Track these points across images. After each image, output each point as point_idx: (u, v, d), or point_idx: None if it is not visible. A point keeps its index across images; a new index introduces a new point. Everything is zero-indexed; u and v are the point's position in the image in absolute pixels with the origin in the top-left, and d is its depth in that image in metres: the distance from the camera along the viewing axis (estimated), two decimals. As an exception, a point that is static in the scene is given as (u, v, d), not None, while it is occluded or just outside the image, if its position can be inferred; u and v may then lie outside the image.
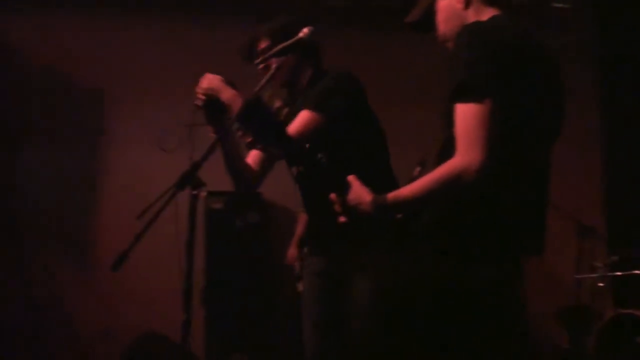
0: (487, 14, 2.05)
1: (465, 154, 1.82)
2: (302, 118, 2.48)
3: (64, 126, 5.03)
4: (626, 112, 5.68)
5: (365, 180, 2.03)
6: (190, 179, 2.23)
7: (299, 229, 4.62)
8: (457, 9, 2.10)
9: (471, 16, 2.07)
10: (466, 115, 1.84)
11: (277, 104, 2.10)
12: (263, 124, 2.04)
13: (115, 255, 2.30)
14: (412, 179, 2.06)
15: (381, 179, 2.36)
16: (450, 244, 1.93)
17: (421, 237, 2.00)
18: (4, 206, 4.87)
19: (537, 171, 2.03)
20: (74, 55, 5.06)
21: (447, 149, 1.92)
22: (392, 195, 1.96)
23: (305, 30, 2.44)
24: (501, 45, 1.89)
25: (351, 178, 2.05)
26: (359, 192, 2.02)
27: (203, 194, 4.50)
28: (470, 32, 1.92)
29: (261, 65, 2.52)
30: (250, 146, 2.19)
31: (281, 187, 5.17)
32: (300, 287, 4.29)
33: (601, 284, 4.42)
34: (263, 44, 2.69)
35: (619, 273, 4.37)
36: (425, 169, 2.05)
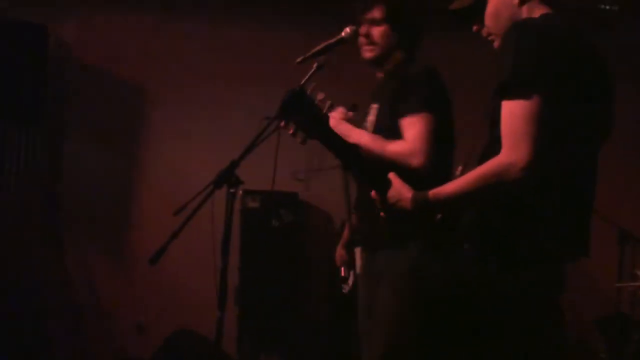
0: (539, 12, 2.00)
1: (511, 152, 1.77)
2: (420, 122, 2.48)
3: (105, 122, 5.09)
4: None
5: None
6: (228, 177, 2.23)
7: (347, 230, 4.58)
8: (511, 3, 2.03)
9: (524, 13, 2.02)
10: (513, 112, 1.80)
11: (320, 96, 2.07)
12: (306, 115, 2.03)
13: (151, 251, 2.31)
14: (455, 178, 2.02)
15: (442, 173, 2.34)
16: (491, 247, 1.90)
17: (461, 239, 1.97)
18: (48, 198, 4.93)
19: (584, 174, 1.98)
20: (118, 53, 5.11)
21: (491, 148, 1.89)
22: (433, 192, 1.93)
23: (348, 29, 2.43)
24: (552, 44, 1.85)
25: (392, 175, 2.03)
26: (399, 188, 2.00)
27: (239, 192, 4.51)
28: (521, 29, 1.88)
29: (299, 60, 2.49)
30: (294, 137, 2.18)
31: (317, 188, 5.20)
32: (345, 289, 4.28)
33: (643, 293, 4.32)
34: (376, 13, 2.67)
35: (661, 282, 4.26)
36: (468, 169, 2.02)
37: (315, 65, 2.37)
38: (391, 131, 2.54)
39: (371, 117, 2.76)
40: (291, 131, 2.07)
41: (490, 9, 2.08)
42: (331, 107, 2.09)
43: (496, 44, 2.08)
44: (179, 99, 5.21)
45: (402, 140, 2.54)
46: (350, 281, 4.25)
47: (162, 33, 5.20)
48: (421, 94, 2.54)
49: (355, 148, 2.07)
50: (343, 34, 2.44)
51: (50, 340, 4.87)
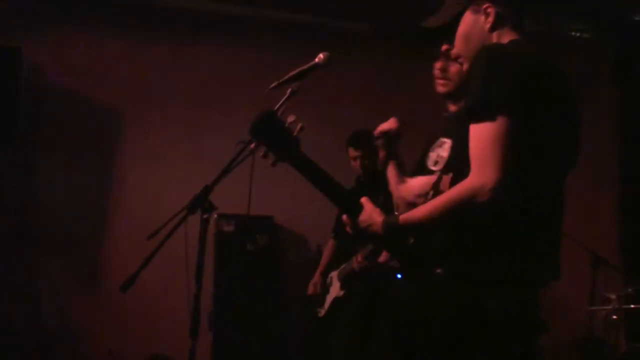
0: (509, 38, 2.03)
1: (480, 174, 1.78)
2: None
3: (78, 145, 5.05)
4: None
5: None
6: (201, 202, 2.22)
7: (325, 256, 4.58)
8: (482, 28, 2.06)
9: (494, 38, 2.04)
10: (481, 135, 1.81)
11: (291, 118, 2.09)
12: (275, 137, 2.05)
13: (124, 276, 2.28)
14: (427, 201, 2.03)
15: None
16: (464, 269, 1.89)
17: (433, 262, 1.96)
18: (18, 223, 4.87)
19: (553, 197, 1.99)
20: (92, 75, 5.09)
21: (460, 171, 1.90)
22: (404, 216, 1.94)
23: (321, 55, 2.44)
24: (521, 68, 1.86)
25: (364, 200, 2.04)
26: (370, 213, 2.01)
27: (214, 216, 4.49)
28: (490, 53, 1.92)
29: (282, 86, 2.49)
30: (266, 158, 2.18)
31: (291, 211, 5.20)
32: (321, 312, 4.28)
33: (615, 317, 4.35)
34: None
35: (633, 306, 4.30)
36: (439, 192, 2.03)
37: (289, 91, 2.38)
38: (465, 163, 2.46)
39: (443, 153, 2.77)
40: (262, 153, 2.09)
41: (461, 30, 2.11)
42: (302, 130, 2.10)
43: (465, 66, 2.12)
44: (152, 122, 5.19)
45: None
46: (327, 305, 4.25)
47: (135, 56, 5.20)
48: None
49: (325, 172, 2.08)
50: (317, 59, 2.45)
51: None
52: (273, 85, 2.36)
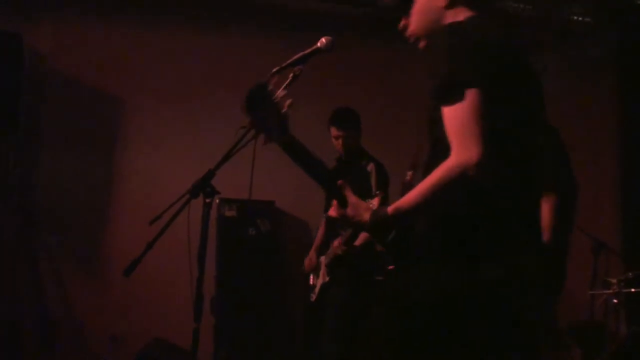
0: (464, 15, 2.04)
1: (461, 152, 1.79)
2: None
3: (80, 131, 5.06)
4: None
5: None
6: (204, 187, 2.22)
7: (320, 232, 4.56)
8: (437, 5, 2.07)
9: (449, 16, 2.06)
10: (455, 115, 1.82)
11: (281, 93, 2.03)
12: (266, 112, 1.99)
13: (126, 261, 2.30)
14: (405, 184, 2.03)
15: None
16: (453, 247, 1.90)
17: (421, 247, 1.97)
18: (20, 209, 4.88)
19: (530, 163, 1.99)
20: (94, 62, 5.09)
21: (435, 149, 1.91)
22: (392, 207, 1.93)
23: (324, 40, 2.44)
24: (483, 45, 1.89)
25: (348, 193, 2.02)
26: (357, 206, 2.01)
27: (216, 201, 4.50)
28: (452, 32, 1.94)
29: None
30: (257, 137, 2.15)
31: (293, 196, 5.20)
32: (312, 297, 4.29)
33: (615, 301, 4.37)
34: None
35: (633, 290, 4.32)
36: (418, 172, 2.02)
37: (291, 75, 2.38)
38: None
39: None
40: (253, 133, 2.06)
41: (416, 8, 2.11)
42: (291, 106, 2.06)
43: (421, 44, 2.13)
44: (154, 108, 5.19)
45: None
46: (317, 289, 4.26)
47: (138, 42, 5.19)
48: None
49: (313, 155, 2.04)
50: (319, 44, 2.45)
51: (23, 352, 4.81)
52: (275, 69, 2.36)
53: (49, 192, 4.95)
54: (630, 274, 4.40)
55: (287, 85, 2.33)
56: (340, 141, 4.26)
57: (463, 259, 1.87)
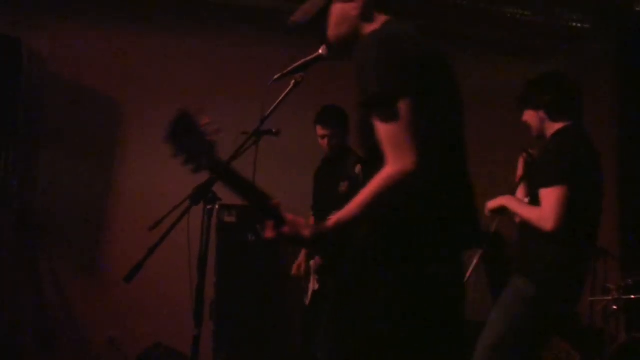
0: (380, 20, 2.09)
1: (396, 161, 1.85)
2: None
3: (80, 136, 5.05)
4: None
5: None
6: (205, 193, 2.22)
7: None
8: (350, 15, 2.12)
9: (365, 24, 2.11)
10: (388, 124, 1.87)
11: (205, 120, 1.96)
12: (191, 142, 1.94)
13: (125, 265, 2.29)
14: (339, 193, 2.05)
15: None
16: (398, 251, 1.93)
17: (364, 254, 1.99)
18: (19, 213, 4.87)
19: (460, 164, 2.07)
20: (93, 66, 5.09)
21: (371, 161, 1.95)
22: (332, 221, 1.95)
23: (325, 46, 2.44)
24: (408, 53, 1.93)
25: (287, 215, 2.02)
26: (295, 223, 2.01)
27: (215, 207, 4.48)
28: (377, 40, 1.96)
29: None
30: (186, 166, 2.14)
31: (293, 202, 5.19)
32: (307, 301, 4.28)
33: (615, 307, 4.37)
34: None
35: (632, 296, 4.32)
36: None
37: (292, 82, 2.38)
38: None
39: None
40: (181, 161, 1.96)
41: (332, 20, 2.16)
42: (218, 132, 2.02)
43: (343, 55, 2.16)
44: (154, 112, 5.16)
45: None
46: (309, 295, 4.24)
47: (137, 46, 5.19)
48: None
49: (244, 178, 2.01)
50: (321, 50, 2.45)
51: (22, 356, 4.80)
52: (277, 76, 2.37)
53: (48, 196, 4.94)
54: (629, 280, 4.40)
55: (288, 92, 2.33)
56: (326, 140, 4.19)
57: (408, 261, 1.92)
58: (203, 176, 2.35)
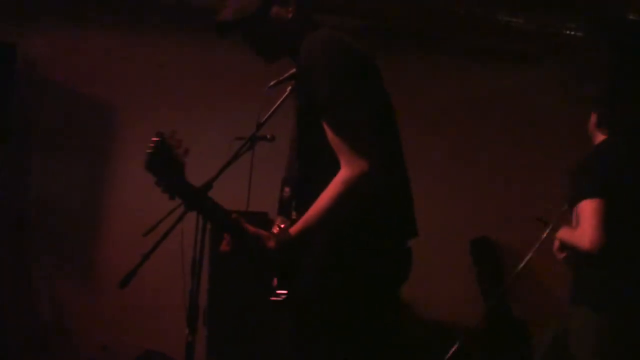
0: (310, 27, 2.13)
1: (352, 165, 1.90)
2: None
3: (73, 141, 5.05)
4: (637, 141, 5.68)
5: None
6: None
7: None
8: (284, 20, 2.18)
9: (296, 28, 2.16)
10: (339, 128, 1.92)
11: (178, 143, 2.07)
12: (167, 170, 2.01)
13: (119, 271, 2.28)
14: (282, 200, 2.07)
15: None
16: (361, 251, 2.00)
17: (328, 259, 2.03)
18: (12, 219, 4.86)
19: (402, 158, 2.14)
20: (87, 71, 5.08)
21: (316, 163, 2.02)
22: (294, 229, 1.98)
23: None
24: (349, 56, 1.99)
25: (245, 225, 2.07)
26: (259, 235, 2.05)
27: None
28: (326, 46, 2.00)
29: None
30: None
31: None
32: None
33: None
34: None
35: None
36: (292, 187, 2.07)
37: (288, 89, 2.39)
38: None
39: None
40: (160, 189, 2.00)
41: (264, 28, 2.20)
42: (187, 153, 2.09)
43: (267, 62, 2.26)
44: (147, 118, 5.18)
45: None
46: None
47: (131, 52, 5.19)
48: None
49: (213, 202, 2.08)
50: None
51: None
52: (272, 83, 2.37)
53: (42, 200, 4.93)
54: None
55: (284, 98, 2.33)
56: None
57: (369, 257, 2.00)
58: (197, 181, 2.35)
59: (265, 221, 5.00)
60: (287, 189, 2.16)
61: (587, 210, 2.94)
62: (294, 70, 2.35)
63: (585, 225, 2.94)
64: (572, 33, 5.48)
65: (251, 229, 2.04)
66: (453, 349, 4.63)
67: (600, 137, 3.27)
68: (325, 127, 1.94)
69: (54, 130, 5.00)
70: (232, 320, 4.71)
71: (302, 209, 2.01)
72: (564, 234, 3.18)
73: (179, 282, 2.41)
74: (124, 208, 5.05)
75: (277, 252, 1.99)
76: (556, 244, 3.32)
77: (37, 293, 4.90)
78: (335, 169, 1.94)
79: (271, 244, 1.99)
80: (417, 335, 5.21)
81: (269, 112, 2.38)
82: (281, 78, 2.38)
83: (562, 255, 3.30)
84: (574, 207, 3.08)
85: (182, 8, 5.30)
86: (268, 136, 3.38)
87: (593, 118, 3.32)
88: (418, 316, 5.36)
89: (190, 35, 5.32)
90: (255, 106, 2.42)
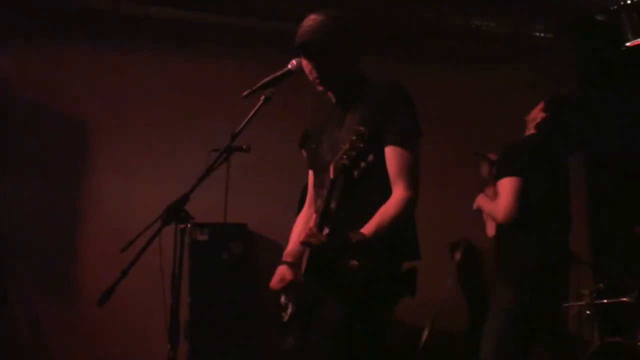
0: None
1: (411, 189, 2.32)
2: None
3: (46, 156, 4.98)
4: (608, 140, 5.75)
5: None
6: (177, 213, 2.19)
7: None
8: (349, 57, 2.48)
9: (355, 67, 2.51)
10: (408, 157, 2.33)
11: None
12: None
13: (98, 288, 2.25)
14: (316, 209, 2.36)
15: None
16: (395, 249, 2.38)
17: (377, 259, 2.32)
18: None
19: None
20: (58, 85, 5.03)
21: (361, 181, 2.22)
22: (368, 231, 2.26)
23: (294, 62, 2.45)
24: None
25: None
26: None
27: (188, 226, 4.44)
28: (404, 90, 2.41)
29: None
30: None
31: (265, 217, 5.18)
32: (285, 317, 4.21)
33: (588, 312, 4.40)
34: None
35: (605, 301, 4.36)
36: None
37: (262, 98, 2.38)
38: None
39: None
40: None
41: (340, 59, 2.43)
42: None
43: (320, 88, 2.47)
44: (122, 133, 5.14)
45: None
46: (289, 310, 4.17)
47: (103, 65, 5.14)
48: None
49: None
50: (290, 66, 2.46)
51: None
52: (246, 92, 2.36)
53: (17, 218, 4.86)
54: (601, 285, 4.44)
55: (257, 108, 2.33)
56: None
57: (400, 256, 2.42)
58: (174, 194, 2.33)
59: (244, 232, 4.99)
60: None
61: (506, 186, 3.36)
62: (267, 79, 2.36)
63: (502, 199, 3.37)
64: (542, 35, 5.55)
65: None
66: (425, 335, 4.69)
67: (530, 130, 3.67)
68: (392, 151, 2.33)
69: (26, 146, 4.93)
70: (214, 334, 4.67)
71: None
72: (484, 202, 3.74)
73: (159, 297, 2.38)
74: (99, 223, 4.99)
75: (354, 246, 2.23)
76: (475, 205, 3.86)
77: (14, 312, 4.82)
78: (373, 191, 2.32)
79: (347, 237, 2.23)
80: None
81: (244, 122, 2.37)
82: (255, 87, 2.38)
83: (475, 209, 3.89)
84: (497, 183, 3.51)
85: (155, 22, 5.28)
86: (244, 146, 3.38)
87: (540, 114, 3.67)
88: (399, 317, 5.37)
89: (164, 48, 5.30)
90: (231, 117, 2.41)
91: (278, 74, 2.43)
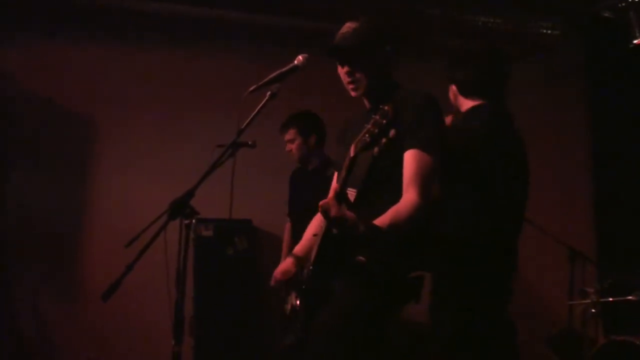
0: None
1: (423, 195, 2.29)
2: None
3: (51, 153, 4.99)
4: (615, 139, 5.74)
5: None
6: (183, 208, 2.19)
7: (286, 238, 4.59)
8: (388, 68, 2.57)
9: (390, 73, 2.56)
10: (425, 163, 2.32)
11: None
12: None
13: (102, 284, 2.26)
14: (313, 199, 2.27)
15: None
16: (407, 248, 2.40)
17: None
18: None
19: None
20: (63, 82, 5.03)
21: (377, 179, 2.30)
22: (380, 222, 2.24)
23: (301, 57, 2.44)
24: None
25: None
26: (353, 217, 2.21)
27: (193, 221, 4.45)
28: (433, 98, 2.44)
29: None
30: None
31: (270, 213, 5.18)
32: (287, 309, 4.21)
33: (593, 310, 4.39)
34: None
35: (610, 299, 4.35)
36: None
37: (268, 94, 2.38)
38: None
39: None
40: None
41: (373, 65, 2.48)
42: None
43: (354, 93, 2.51)
44: (125, 128, 5.15)
45: None
46: (289, 305, 4.17)
47: (108, 62, 5.15)
48: None
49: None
50: (296, 61, 2.45)
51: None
52: (252, 88, 2.36)
53: (21, 214, 4.87)
54: (606, 283, 4.43)
55: (263, 104, 2.32)
56: (289, 146, 4.36)
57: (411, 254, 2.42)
58: (179, 190, 2.33)
59: (249, 228, 4.99)
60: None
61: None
62: (273, 74, 2.36)
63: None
64: (549, 32, 5.52)
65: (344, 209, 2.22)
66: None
67: (468, 104, 2.99)
68: (412, 155, 2.32)
69: (31, 141, 4.94)
70: (218, 329, 4.68)
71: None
72: None
73: (164, 292, 2.38)
74: (105, 220, 5.00)
75: (360, 231, 2.20)
76: None
77: (20, 309, 4.83)
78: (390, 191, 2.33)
79: (362, 227, 2.21)
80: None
81: (249, 118, 2.37)
82: (260, 83, 2.38)
83: None
84: None
85: (161, 19, 5.28)
86: (250, 142, 3.37)
87: (453, 89, 3.03)
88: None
89: (170, 44, 5.30)
90: (237, 112, 2.40)
91: (284, 69, 2.43)
